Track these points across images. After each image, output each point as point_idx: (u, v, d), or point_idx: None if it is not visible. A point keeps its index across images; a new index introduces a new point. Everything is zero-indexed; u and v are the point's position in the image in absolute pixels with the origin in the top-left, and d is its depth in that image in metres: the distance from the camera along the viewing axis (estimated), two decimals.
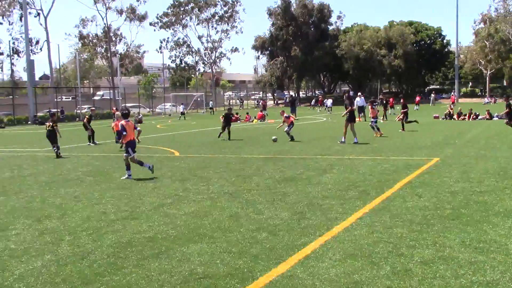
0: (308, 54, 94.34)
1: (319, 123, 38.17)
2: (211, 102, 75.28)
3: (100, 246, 7.61)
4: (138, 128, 14.78)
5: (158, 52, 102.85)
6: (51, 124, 20.84)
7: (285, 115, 24.84)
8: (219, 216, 9.24)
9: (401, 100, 30.23)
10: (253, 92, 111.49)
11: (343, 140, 21.32)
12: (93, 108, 28.95)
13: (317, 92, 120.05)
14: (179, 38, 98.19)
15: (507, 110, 27.85)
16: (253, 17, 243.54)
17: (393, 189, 11.26)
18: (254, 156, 18.06)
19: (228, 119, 25.49)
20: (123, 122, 14.36)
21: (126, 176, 13.97)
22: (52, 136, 20.51)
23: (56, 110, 58.49)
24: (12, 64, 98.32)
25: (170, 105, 73.91)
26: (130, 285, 6.02)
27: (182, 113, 55.87)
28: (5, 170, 16.54)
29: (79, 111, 61.17)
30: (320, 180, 12.68)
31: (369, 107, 26.58)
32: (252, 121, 44.34)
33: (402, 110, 28.04)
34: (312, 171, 14.12)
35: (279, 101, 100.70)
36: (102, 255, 7.16)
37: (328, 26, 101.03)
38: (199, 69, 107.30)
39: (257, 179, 13.06)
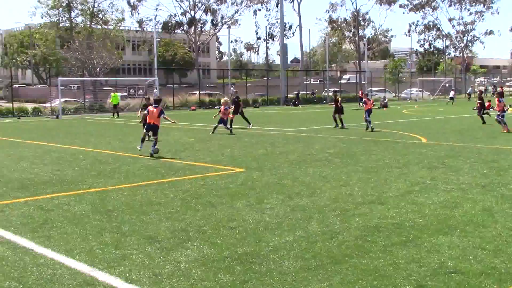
0: None
1: None
2: (470, 88, 71.92)
3: (348, 228, 7.71)
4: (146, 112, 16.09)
5: (406, 35, 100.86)
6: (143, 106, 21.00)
7: (365, 98, 22.50)
8: (471, 209, 8.73)
9: None
10: (508, 79, 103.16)
11: None
12: (146, 97, 23.40)
13: None
14: (429, 21, 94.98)
15: None
16: None
17: None
18: (510, 148, 16.69)
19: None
20: (151, 107, 16.05)
21: (139, 147, 16.20)
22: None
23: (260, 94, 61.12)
24: (267, 48, 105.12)
25: (416, 90, 72.13)
26: (378, 270, 5.99)
27: (451, 98, 55.99)
28: (260, 147, 17.76)
29: (326, 93, 63.02)
30: None
31: (496, 100, 22.98)
32: (507, 109, 41.01)
33: None
34: None
35: None
36: (350, 237, 7.25)
37: None
38: (449, 54, 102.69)
39: None
